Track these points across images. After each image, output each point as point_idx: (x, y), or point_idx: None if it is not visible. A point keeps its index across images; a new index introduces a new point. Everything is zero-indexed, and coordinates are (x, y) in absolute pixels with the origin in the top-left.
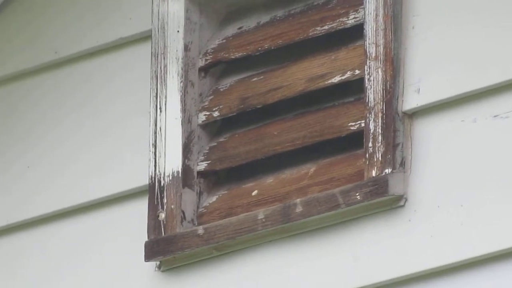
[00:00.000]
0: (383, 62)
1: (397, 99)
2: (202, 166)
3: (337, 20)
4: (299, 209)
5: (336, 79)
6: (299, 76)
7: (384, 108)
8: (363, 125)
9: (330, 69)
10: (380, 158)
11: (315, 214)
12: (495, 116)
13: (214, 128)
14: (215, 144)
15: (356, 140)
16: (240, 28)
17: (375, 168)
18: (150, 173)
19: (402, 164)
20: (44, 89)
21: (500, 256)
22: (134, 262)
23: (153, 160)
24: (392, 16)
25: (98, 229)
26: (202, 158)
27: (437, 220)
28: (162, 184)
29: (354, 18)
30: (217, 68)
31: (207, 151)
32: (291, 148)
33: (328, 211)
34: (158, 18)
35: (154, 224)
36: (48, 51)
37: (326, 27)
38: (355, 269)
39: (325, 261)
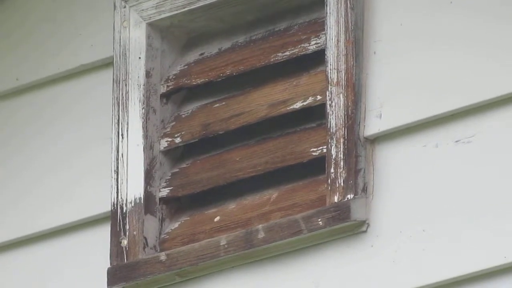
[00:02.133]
0: (344, 87)
1: (359, 124)
2: (164, 192)
3: (299, 46)
4: (261, 235)
5: (298, 104)
6: (261, 102)
7: (346, 133)
8: (325, 150)
9: (292, 95)
10: (342, 184)
11: (278, 240)
12: (456, 141)
13: (176, 154)
14: (177, 170)
15: (318, 165)
16: (201, 54)
17: (337, 193)
18: (113, 200)
19: (364, 189)
20: (6, 115)
21: (462, 281)
22: None
23: (115, 186)
24: (353, 42)
25: (61, 256)
26: (164, 184)
27: (399, 246)
28: (124, 210)
29: (316, 43)
30: (179, 94)
31: (169, 177)
32: (253, 174)
33: (290, 236)
34: (120, 45)
35: (116, 250)
36: (10, 78)
37: (287, 53)
38: None
39: (287, 286)
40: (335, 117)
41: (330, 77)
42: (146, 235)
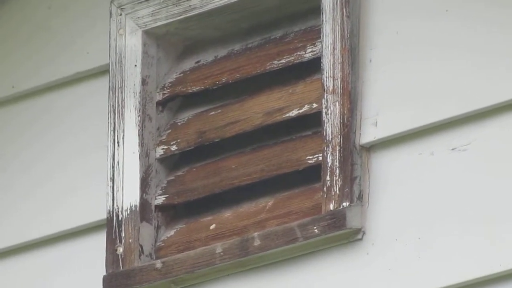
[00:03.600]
0: (340, 95)
1: (355, 132)
2: (160, 200)
3: (295, 54)
4: (257, 242)
5: (294, 112)
6: (256, 110)
7: (341, 141)
8: (320, 158)
9: (288, 103)
10: (337, 192)
11: (273, 248)
12: (452, 149)
13: (172, 162)
14: (173, 178)
15: (314, 173)
16: (197, 62)
17: (333, 201)
18: (108, 207)
19: (360, 197)
20: (1, 123)
21: None
22: None
23: (111, 194)
24: (349, 50)
25: (56, 263)
26: (160, 192)
27: (395, 253)
28: (120, 218)
29: (312, 51)
30: (174, 102)
31: (165, 185)
32: (248, 181)
33: (286, 244)
34: (116, 52)
35: (112, 258)
36: (5, 85)
37: (283, 61)
38: None
39: None
40: (331, 125)
41: (326, 85)
42: (142, 243)
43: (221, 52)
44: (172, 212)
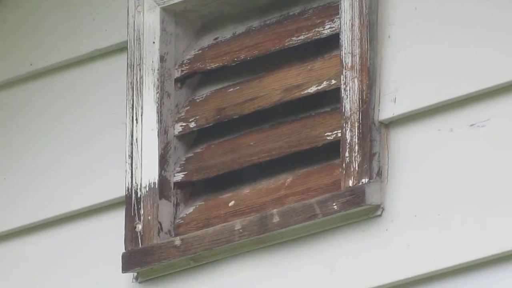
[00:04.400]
0: (359, 72)
1: (373, 108)
2: (178, 177)
3: (313, 30)
4: (276, 219)
5: (312, 89)
6: (275, 87)
7: (360, 118)
8: (339, 135)
9: (306, 79)
10: (357, 168)
11: (292, 225)
12: (471, 125)
13: (190, 139)
14: (191, 155)
15: (333, 150)
16: (215, 38)
17: (352, 178)
18: (127, 185)
19: (379, 173)
20: (20, 101)
21: (477, 265)
22: (111, 273)
23: (130, 171)
24: (368, 26)
25: (75, 241)
26: (179, 169)
27: (414, 230)
28: (138, 195)
29: (330, 28)
30: (193, 79)
31: (184, 162)
32: (267, 158)
33: (305, 221)
34: (134, 30)
35: (131, 235)
36: (24, 63)
37: (302, 37)
38: (332, 279)
39: (302, 271)
40: (350, 101)
41: (345, 61)
42: (161, 220)
43: (239, 28)
44: (191, 189)
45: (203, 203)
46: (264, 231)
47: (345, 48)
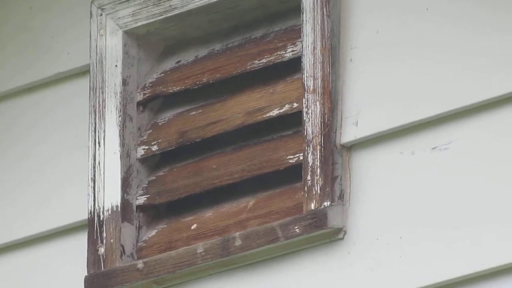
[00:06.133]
0: (321, 95)
1: (335, 132)
2: (141, 200)
3: (275, 53)
4: (238, 242)
5: (275, 112)
6: (237, 110)
7: (322, 141)
8: (301, 158)
9: (268, 103)
10: (318, 191)
11: (255, 248)
12: (433, 148)
13: (153, 162)
14: (154, 178)
15: (295, 173)
16: (178, 62)
17: (314, 201)
18: (89, 208)
19: (341, 196)
20: None
21: None
22: None
23: (92, 194)
24: (329, 49)
25: (38, 264)
26: (141, 192)
27: (377, 253)
28: (101, 218)
29: (292, 51)
30: (155, 102)
31: (146, 185)
32: (230, 181)
33: (267, 244)
34: (96, 53)
35: (93, 258)
36: None
37: (264, 61)
38: None
39: None
40: (312, 124)
41: (307, 84)
42: (123, 243)
43: (202, 52)
44: (153, 212)
45: (165, 226)
46: (226, 254)
47: (307, 72)
